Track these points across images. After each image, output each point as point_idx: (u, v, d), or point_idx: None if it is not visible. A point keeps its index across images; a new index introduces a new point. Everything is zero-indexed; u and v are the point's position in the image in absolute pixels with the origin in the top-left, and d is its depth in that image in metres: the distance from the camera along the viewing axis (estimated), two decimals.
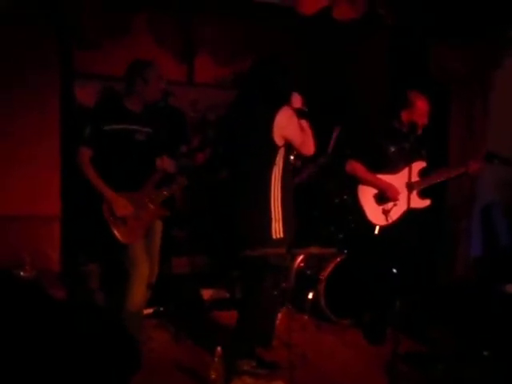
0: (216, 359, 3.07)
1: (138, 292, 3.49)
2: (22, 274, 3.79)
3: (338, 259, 4.24)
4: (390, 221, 3.89)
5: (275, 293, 3.43)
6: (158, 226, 3.70)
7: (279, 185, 3.27)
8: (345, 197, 4.42)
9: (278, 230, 3.25)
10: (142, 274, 3.49)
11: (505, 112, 4.54)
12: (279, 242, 3.22)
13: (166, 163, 3.57)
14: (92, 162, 3.38)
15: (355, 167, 3.93)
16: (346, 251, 4.31)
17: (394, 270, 3.96)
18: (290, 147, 3.33)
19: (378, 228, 3.90)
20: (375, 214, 3.90)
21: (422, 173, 3.90)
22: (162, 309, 4.22)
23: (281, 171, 3.27)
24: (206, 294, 4.56)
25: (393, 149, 3.90)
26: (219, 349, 3.10)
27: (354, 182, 3.97)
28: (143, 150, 3.51)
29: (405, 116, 3.89)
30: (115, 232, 3.37)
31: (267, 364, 3.45)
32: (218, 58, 5.36)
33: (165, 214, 3.63)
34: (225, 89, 5.42)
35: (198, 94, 5.36)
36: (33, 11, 4.05)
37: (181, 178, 3.62)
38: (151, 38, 5.15)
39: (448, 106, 4.67)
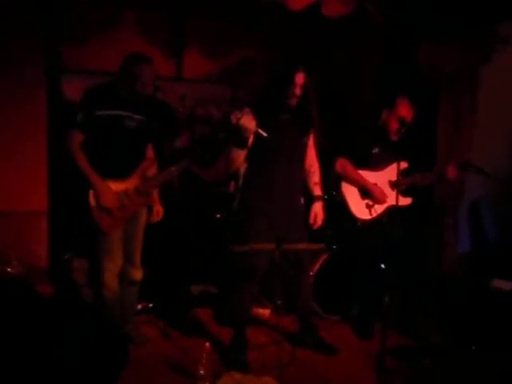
0: (204, 355, 3.06)
1: (112, 277, 3.50)
2: (9, 270, 3.76)
3: (327, 255, 4.25)
4: (375, 214, 3.94)
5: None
6: (143, 218, 3.64)
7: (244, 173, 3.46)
8: (333, 193, 4.42)
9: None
10: (116, 258, 3.49)
11: (492, 108, 4.57)
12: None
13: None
14: (82, 147, 3.32)
15: (345, 167, 3.96)
16: (334, 247, 4.32)
17: (383, 266, 3.99)
18: (259, 140, 3.33)
19: (361, 222, 3.95)
20: (359, 209, 3.95)
21: (404, 173, 3.95)
22: (150, 305, 4.21)
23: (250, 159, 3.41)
24: (195, 289, 4.56)
25: (376, 150, 3.96)
26: (208, 345, 3.10)
27: (338, 178, 4.02)
28: (133, 136, 3.45)
29: (385, 115, 3.97)
30: (98, 219, 3.32)
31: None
32: (206, 53, 5.34)
33: (150, 204, 3.61)
34: (213, 84, 5.42)
35: (187, 88, 5.34)
36: (20, 6, 4.01)
37: (171, 169, 3.57)
38: (140, 32, 5.11)
39: (436, 101, 4.69)
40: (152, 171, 3.59)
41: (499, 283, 3.97)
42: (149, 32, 5.12)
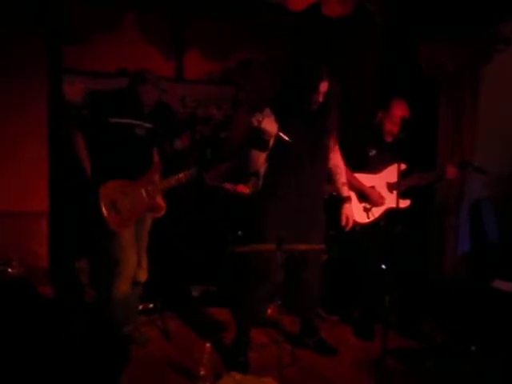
0: (205, 356, 3.06)
1: (126, 279, 3.51)
2: (9, 270, 3.77)
3: (328, 255, 4.24)
4: (373, 218, 3.93)
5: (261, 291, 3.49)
6: (148, 221, 3.70)
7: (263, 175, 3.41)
8: (333, 193, 4.42)
9: None
10: (131, 261, 3.52)
11: (493, 107, 4.56)
12: None
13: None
14: (91, 150, 3.41)
15: None
16: (335, 247, 4.32)
17: (383, 266, 3.98)
18: (280, 142, 3.29)
19: (359, 226, 3.93)
20: (357, 212, 3.91)
21: (402, 174, 3.93)
22: (151, 305, 4.21)
23: (271, 160, 3.36)
24: (195, 290, 4.56)
25: (373, 152, 3.96)
26: (208, 345, 3.10)
27: None
28: (142, 144, 3.57)
29: (379, 116, 3.97)
30: (106, 216, 3.34)
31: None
32: (207, 54, 5.35)
33: (158, 208, 3.64)
34: (214, 84, 5.43)
35: (187, 89, 5.35)
36: (21, 7, 4.01)
37: (179, 176, 3.61)
38: (140, 33, 5.14)
39: (437, 100, 4.68)
40: (156, 175, 3.64)
41: (500, 284, 3.96)
42: (149, 33, 5.14)
